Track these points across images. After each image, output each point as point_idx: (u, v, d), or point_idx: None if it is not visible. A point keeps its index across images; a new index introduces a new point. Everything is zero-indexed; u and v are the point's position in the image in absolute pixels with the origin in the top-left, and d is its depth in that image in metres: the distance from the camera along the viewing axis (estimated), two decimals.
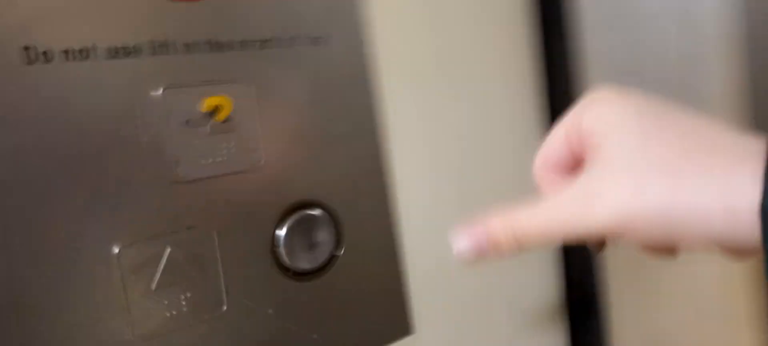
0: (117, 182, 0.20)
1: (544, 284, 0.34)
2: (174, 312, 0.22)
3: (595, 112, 0.15)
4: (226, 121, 0.22)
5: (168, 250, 0.21)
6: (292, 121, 0.24)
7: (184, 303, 0.22)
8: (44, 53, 0.18)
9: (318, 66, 0.25)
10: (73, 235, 0.19)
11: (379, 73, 0.26)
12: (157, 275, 0.21)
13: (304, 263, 0.25)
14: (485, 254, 0.17)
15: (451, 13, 0.29)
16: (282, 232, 0.24)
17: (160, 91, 0.21)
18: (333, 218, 0.25)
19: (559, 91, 0.32)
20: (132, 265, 0.21)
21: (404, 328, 0.29)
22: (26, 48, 0.18)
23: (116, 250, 0.20)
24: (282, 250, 0.24)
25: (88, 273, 0.20)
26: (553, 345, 0.35)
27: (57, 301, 0.19)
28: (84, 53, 0.19)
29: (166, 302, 0.21)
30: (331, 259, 0.26)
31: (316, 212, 0.25)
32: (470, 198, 0.30)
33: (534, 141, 0.33)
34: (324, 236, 0.25)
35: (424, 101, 0.28)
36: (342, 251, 0.26)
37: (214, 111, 0.22)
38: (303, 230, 0.24)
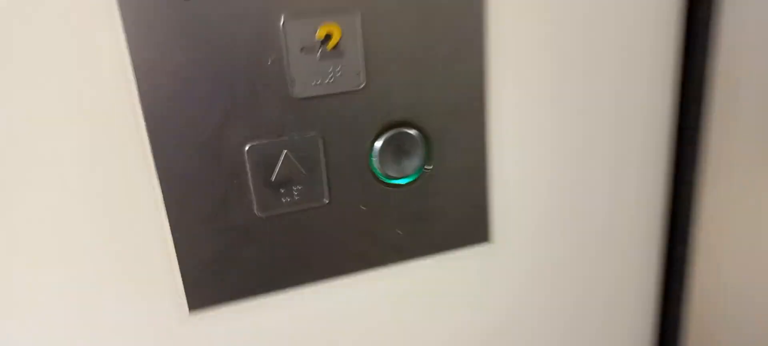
0: (248, 95, 0.25)
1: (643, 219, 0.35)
2: (287, 199, 0.27)
3: None
4: (335, 47, 0.26)
5: (284, 152, 0.27)
6: (394, 49, 0.27)
7: (295, 194, 0.27)
8: None
9: None
10: (217, 133, 0.25)
11: (488, 8, 0.28)
12: (276, 170, 0.27)
13: (394, 173, 0.29)
14: None
15: None
16: (378, 145, 0.28)
17: (283, 20, 0.25)
18: (425, 137, 0.29)
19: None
20: (257, 160, 0.26)
21: (483, 235, 0.33)
22: None
23: (247, 147, 0.26)
24: (376, 159, 0.28)
25: (226, 164, 0.26)
26: (640, 285, 0.37)
27: (204, 180, 0.26)
28: None
29: (282, 191, 0.27)
30: (420, 171, 0.29)
31: (411, 130, 0.28)
32: (577, 124, 0.32)
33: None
34: (415, 152, 0.29)
35: (531, 34, 0.29)
36: (431, 166, 0.29)
37: (325, 39, 0.25)
38: (396, 146, 0.28)
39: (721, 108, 0.31)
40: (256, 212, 0.27)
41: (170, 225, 0.26)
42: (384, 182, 0.29)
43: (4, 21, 0.21)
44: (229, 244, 0.27)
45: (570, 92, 0.31)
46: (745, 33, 0.29)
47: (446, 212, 0.31)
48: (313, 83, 0.26)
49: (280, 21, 0.25)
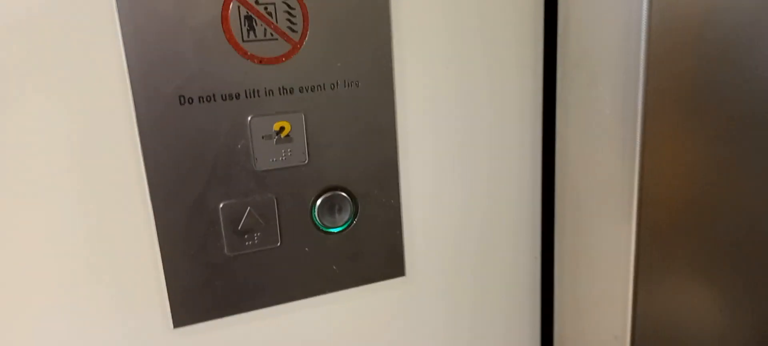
0: (224, 169, 0.36)
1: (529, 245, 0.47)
2: (250, 242, 0.38)
3: None
4: (287, 136, 0.37)
5: (248, 208, 0.37)
6: (329, 136, 0.38)
7: (256, 238, 0.38)
8: (189, 99, 0.34)
9: (351, 102, 0.38)
10: (201, 195, 0.36)
11: (397, 106, 0.39)
12: (242, 221, 0.37)
13: (330, 224, 0.39)
14: None
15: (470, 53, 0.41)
16: (317, 203, 0.39)
17: (250, 118, 0.35)
18: (352, 197, 0.40)
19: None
20: (228, 214, 0.37)
21: (399, 271, 0.43)
22: (180, 96, 0.34)
23: (221, 205, 0.36)
24: (316, 214, 0.39)
25: (206, 216, 0.36)
26: (530, 304, 0.48)
27: (189, 228, 0.36)
28: (209, 99, 0.34)
29: (246, 237, 0.37)
30: (349, 222, 0.40)
31: (342, 192, 0.39)
32: (469, 184, 0.43)
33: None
34: (345, 208, 0.40)
35: (432, 122, 0.41)
36: (356, 219, 0.40)
37: (280, 130, 0.36)
38: (331, 204, 0.39)
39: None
40: (226, 251, 0.37)
41: (162, 259, 0.36)
42: (322, 230, 0.39)
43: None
44: (206, 275, 0.37)
45: (462, 167, 0.42)
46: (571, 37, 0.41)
47: (370, 252, 0.41)
48: (270, 160, 0.37)
49: (247, 118, 0.35)
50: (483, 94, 0.42)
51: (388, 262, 0.43)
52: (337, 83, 0.37)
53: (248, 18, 0.34)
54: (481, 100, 0.42)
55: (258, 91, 0.35)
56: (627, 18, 0.34)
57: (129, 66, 0.32)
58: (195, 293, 0.37)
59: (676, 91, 0.35)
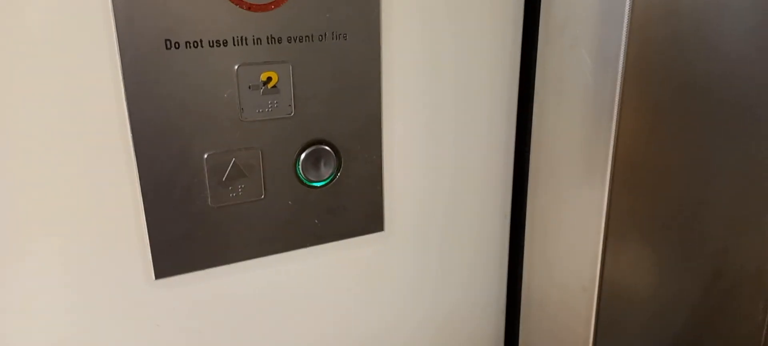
0: (209, 119, 0.35)
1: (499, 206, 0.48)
2: (234, 194, 0.37)
3: None
4: (273, 87, 0.36)
5: (233, 159, 0.37)
6: (316, 89, 0.37)
7: (239, 190, 0.37)
8: (176, 44, 0.33)
9: (338, 54, 0.37)
10: (185, 144, 0.35)
11: (383, 62, 0.39)
12: (226, 172, 0.37)
13: (313, 178, 0.39)
14: None
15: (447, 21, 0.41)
16: (302, 156, 0.39)
17: (237, 66, 0.35)
18: (336, 152, 0.40)
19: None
20: (213, 165, 0.36)
21: (378, 225, 0.44)
22: (167, 40, 0.32)
23: (206, 155, 0.36)
24: (300, 167, 0.39)
25: (190, 167, 0.35)
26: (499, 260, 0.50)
27: (173, 178, 0.35)
28: (196, 44, 0.33)
29: (230, 188, 0.37)
30: (332, 177, 0.40)
31: (327, 147, 0.39)
32: (447, 143, 0.44)
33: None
34: (329, 162, 0.40)
35: (414, 80, 0.41)
36: (339, 174, 0.40)
37: (267, 80, 0.36)
38: (315, 157, 0.39)
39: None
40: (209, 203, 0.37)
41: (145, 209, 0.35)
42: (306, 184, 0.39)
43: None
44: (188, 226, 0.37)
45: (441, 127, 0.43)
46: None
47: (351, 207, 0.42)
48: (257, 111, 0.36)
49: (235, 67, 0.35)
50: (465, 53, 0.42)
51: (368, 217, 0.43)
52: (325, 35, 0.37)
53: None
54: (463, 59, 0.42)
55: (246, 38, 0.34)
56: None
57: (114, 5, 0.31)
58: (177, 244, 0.37)
59: (653, 59, 0.37)
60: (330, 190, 0.41)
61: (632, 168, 0.39)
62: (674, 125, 0.40)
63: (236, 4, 0.33)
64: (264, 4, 0.34)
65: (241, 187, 0.37)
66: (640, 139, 0.39)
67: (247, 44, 0.35)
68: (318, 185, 0.40)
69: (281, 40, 0.35)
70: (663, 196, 0.42)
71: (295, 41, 0.36)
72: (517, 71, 0.45)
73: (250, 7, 0.34)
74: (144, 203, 0.35)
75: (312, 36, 0.36)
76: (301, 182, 0.39)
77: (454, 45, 0.42)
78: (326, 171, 0.40)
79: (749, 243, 0.47)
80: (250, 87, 0.35)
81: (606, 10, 0.36)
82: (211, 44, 0.34)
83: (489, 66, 0.43)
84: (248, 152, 0.37)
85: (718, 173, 0.43)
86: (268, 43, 0.35)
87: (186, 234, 0.37)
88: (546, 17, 0.42)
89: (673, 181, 0.42)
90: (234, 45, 0.34)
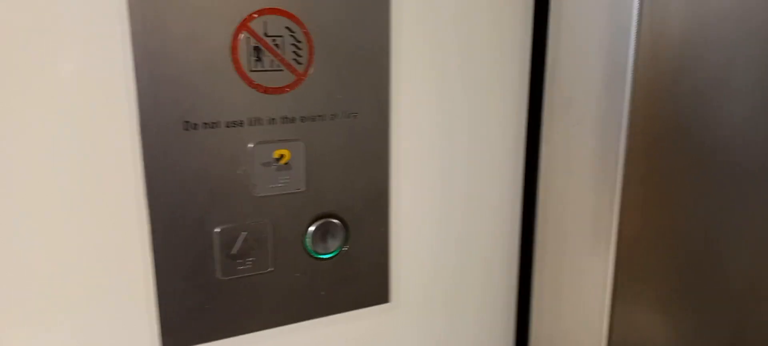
0: (222, 195, 0.36)
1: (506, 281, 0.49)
2: (243, 267, 0.38)
3: None
4: (286, 164, 0.37)
5: (244, 233, 0.37)
6: (327, 165, 0.39)
7: (249, 263, 0.38)
8: (194, 125, 0.34)
9: (349, 131, 0.39)
10: (196, 219, 0.36)
11: (392, 138, 0.40)
12: (237, 246, 0.37)
13: (321, 250, 0.40)
14: None
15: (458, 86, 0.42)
16: (311, 229, 0.39)
17: (252, 145, 0.36)
18: (344, 225, 0.41)
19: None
20: (223, 239, 0.37)
21: (384, 297, 0.44)
22: (186, 121, 0.34)
23: (218, 230, 0.37)
24: (308, 240, 0.40)
25: (201, 241, 0.36)
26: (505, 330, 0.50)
27: (184, 251, 0.36)
28: (214, 125, 0.35)
29: (239, 262, 0.38)
30: (340, 249, 0.41)
31: (334, 220, 0.40)
32: (455, 214, 0.45)
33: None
34: (336, 235, 0.40)
35: (423, 155, 0.42)
36: (347, 246, 0.41)
37: (280, 157, 0.37)
38: (324, 231, 0.40)
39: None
40: (218, 275, 0.37)
41: (155, 281, 0.36)
42: (314, 256, 0.40)
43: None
44: (197, 299, 0.37)
45: (449, 200, 0.44)
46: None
47: (358, 279, 0.42)
48: (269, 186, 0.37)
49: (249, 145, 0.36)
50: (471, 130, 0.44)
51: (374, 288, 0.44)
52: (337, 114, 0.38)
53: (256, 49, 0.34)
54: (469, 136, 0.44)
55: (261, 119, 0.36)
56: (612, 68, 0.37)
57: (138, 87, 0.32)
58: (185, 316, 0.37)
59: (655, 134, 0.38)
60: (337, 262, 0.41)
61: (638, 241, 0.40)
62: (682, 195, 0.40)
63: (253, 88, 0.35)
64: (279, 88, 0.36)
65: (250, 260, 0.38)
66: (644, 213, 0.40)
67: (261, 124, 0.36)
68: (325, 256, 0.41)
69: (294, 119, 0.37)
70: (674, 264, 0.42)
71: (307, 120, 0.37)
72: (522, 146, 0.46)
73: (266, 91, 0.35)
74: (155, 275, 0.36)
75: (324, 115, 0.38)
76: (309, 254, 0.40)
77: (461, 121, 0.43)
78: (334, 243, 0.40)
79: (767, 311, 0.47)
80: (263, 164, 0.37)
81: (608, 86, 0.38)
82: (228, 125, 0.35)
83: (496, 140, 0.45)
84: (259, 226, 0.38)
85: (731, 239, 0.43)
86: (282, 122, 0.37)
87: (194, 307, 0.37)
88: (550, 95, 0.43)
89: (684, 249, 0.42)
90: (249, 125, 0.36)
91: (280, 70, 0.35)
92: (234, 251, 0.37)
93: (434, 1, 0.40)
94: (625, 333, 0.42)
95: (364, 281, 0.43)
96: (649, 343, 0.44)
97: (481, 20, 0.42)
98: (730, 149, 0.40)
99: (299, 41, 0.35)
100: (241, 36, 0.34)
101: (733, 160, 0.41)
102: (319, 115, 0.38)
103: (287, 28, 0.35)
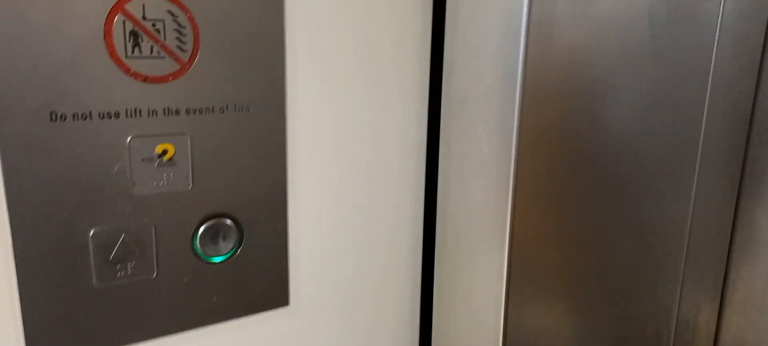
0: (96, 193, 0.33)
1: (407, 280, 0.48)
2: (122, 273, 0.35)
3: None
4: (170, 160, 0.35)
5: (122, 235, 0.34)
6: (215, 160, 0.36)
7: (129, 269, 0.35)
8: (62, 116, 0.31)
9: (240, 126, 0.37)
10: (65, 220, 0.32)
11: (288, 134, 0.39)
12: (114, 251, 0.34)
13: (212, 253, 0.38)
14: None
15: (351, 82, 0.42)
16: (199, 231, 0.37)
17: (129, 139, 0.33)
18: (238, 225, 0.39)
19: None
20: (99, 242, 0.34)
21: (283, 300, 0.43)
22: (52, 112, 0.31)
23: (91, 232, 0.33)
24: (197, 242, 0.37)
25: (76, 244, 0.33)
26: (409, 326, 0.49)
27: (52, 255, 0.32)
28: (85, 116, 0.32)
29: (118, 267, 0.35)
30: (233, 251, 0.39)
31: (227, 220, 0.38)
32: (355, 214, 0.44)
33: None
34: (229, 236, 0.38)
35: (321, 152, 0.41)
36: (241, 248, 0.39)
37: (163, 153, 0.35)
38: (214, 232, 0.38)
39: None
40: (94, 283, 0.34)
41: (19, 289, 0.32)
42: (204, 259, 0.38)
43: None
44: (69, 308, 0.34)
45: (349, 198, 0.43)
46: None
47: (254, 282, 0.40)
48: (151, 184, 0.34)
49: (127, 139, 0.33)
50: (372, 128, 0.43)
51: (272, 292, 0.42)
52: (227, 107, 0.36)
53: (134, 33, 0.32)
54: (370, 134, 0.43)
55: (140, 110, 0.33)
56: (503, 69, 0.38)
57: None
58: (55, 326, 0.34)
59: (545, 135, 0.39)
60: (231, 265, 0.39)
61: (530, 239, 0.41)
62: (570, 195, 0.42)
63: (130, 76, 0.32)
64: (161, 76, 0.33)
65: (130, 265, 0.35)
66: (536, 211, 0.41)
67: (141, 116, 0.33)
68: (217, 260, 0.38)
69: (179, 112, 0.34)
70: (564, 264, 0.44)
71: (194, 113, 0.35)
72: (423, 145, 0.46)
73: (145, 79, 0.33)
74: (18, 283, 0.32)
75: (213, 108, 0.36)
76: (199, 257, 0.37)
77: (360, 119, 0.42)
78: (226, 245, 0.38)
79: (645, 310, 0.50)
80: (143, 160, 0.34)
81: (501, 88, 0.38)
82: (102, 116, 0.32)
83: (396, 137, 0.44)
84: (139, 228, 0.35)
85: (614, 241, 0.45)
86: (165, 114, 0.34)
87: (66, 317, 0.34)
88: (447, 95, 0.44)
89: (573, 250, 0.44)
90: (127, 117, 0.33)
91: (162, 58, 0.33)
92: (112, 255, 0.34)
93: None
94: (519, 329, 0.42)
95: (261, 284, 0.41)
96: (542, 339, 0.45)
97: (381, 18, 0.42)
98: (612, 152, 0.42)
99: (183, 26, 0.33)
100: (117, 19, 0.31)
101: (615, 161, 0.43)
102: (207, 108, 0.35)
103: (169, 12, 0.33)
